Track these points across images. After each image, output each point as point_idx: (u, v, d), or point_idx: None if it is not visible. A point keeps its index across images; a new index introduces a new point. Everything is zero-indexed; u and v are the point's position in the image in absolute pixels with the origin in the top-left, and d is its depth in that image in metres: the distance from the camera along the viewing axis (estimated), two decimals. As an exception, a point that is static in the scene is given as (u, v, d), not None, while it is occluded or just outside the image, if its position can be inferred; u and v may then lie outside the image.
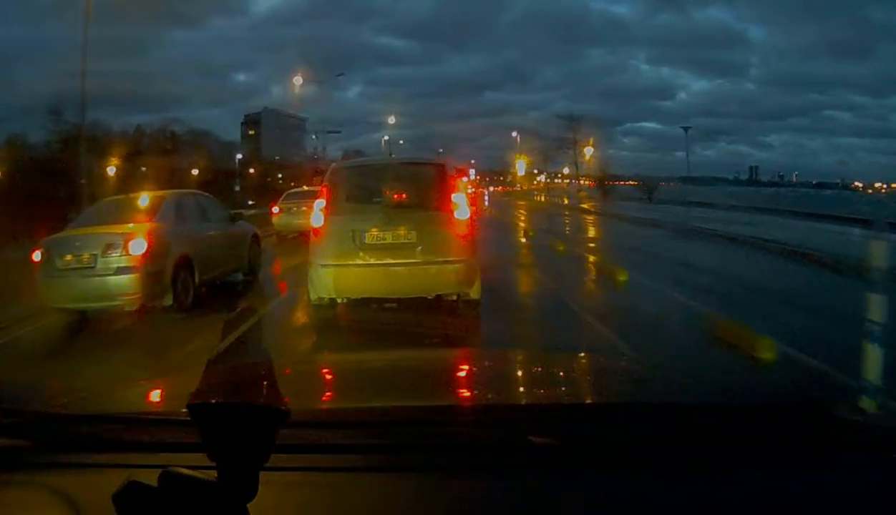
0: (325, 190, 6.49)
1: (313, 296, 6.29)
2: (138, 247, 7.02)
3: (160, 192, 9.05)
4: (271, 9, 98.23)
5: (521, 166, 59.04)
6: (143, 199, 8.46)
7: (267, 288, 9.79)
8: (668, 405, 1.36)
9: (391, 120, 55.82)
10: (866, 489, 1.00)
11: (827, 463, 1.07)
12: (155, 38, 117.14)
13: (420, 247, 6.07)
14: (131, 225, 7.45)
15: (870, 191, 63.54)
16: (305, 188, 22.13)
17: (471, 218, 6.46)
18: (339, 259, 6.09)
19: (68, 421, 1.22)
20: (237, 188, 45.25)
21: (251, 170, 53.88)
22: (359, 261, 6.06)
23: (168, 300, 7.30)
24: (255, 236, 10.21)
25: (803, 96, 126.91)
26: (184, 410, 0.83)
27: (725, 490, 1.00)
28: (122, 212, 8.00)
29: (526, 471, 1.03)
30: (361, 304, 6.32)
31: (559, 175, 71.87)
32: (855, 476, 1.03)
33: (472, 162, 71.50)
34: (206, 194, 10.01)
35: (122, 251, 6.93)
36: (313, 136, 64.26)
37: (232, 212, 10.20)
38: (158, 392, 1.61)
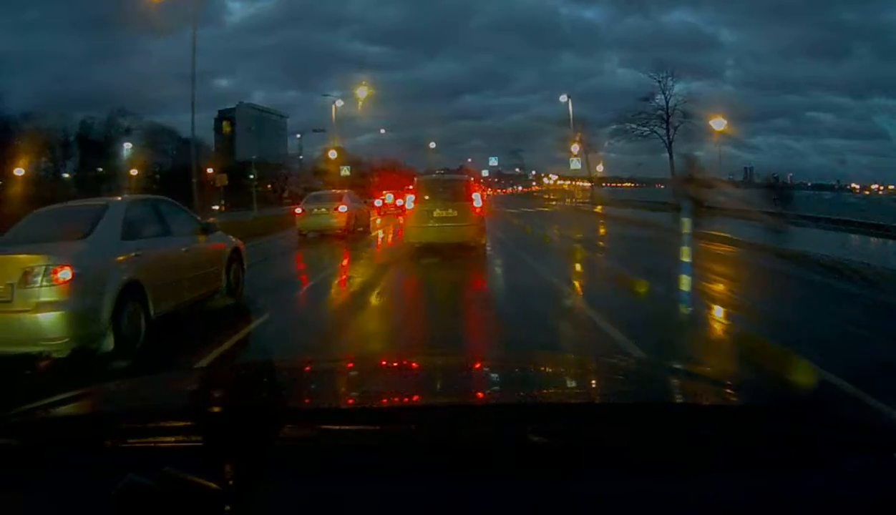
0: (413, 190, 13.42)
1: (407, 240, 13.13)
2: (64, 274, 5.21)
3: (101, 200, 7.20)
4: (245, 19, 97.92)
5: (575, 154, 38.67)
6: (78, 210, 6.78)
7: (250, 314, 7.70)
8: (669, 405, 1.36)
9: (360, 92, 47.68)
10: (866, 490, 1.00)
11: (827, 464, 1.06)
12: (131, 47, 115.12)
13: (458, 218, 12.65)
14: (55, 245, 5.61)
15: (867, 192, 60.98)
16: (326, 191, 24.30)
17: (482, 204, 13.21)
18: (420, 223, 12.80)
19: (68, 421, 1.18)
20: (125, 190, 39.82)
21: (210, 170, 50.43)
22: (429, 225, 12.70)
23: (108, 344, 5.41)
24: (237, 251, 8.47)
25: (783, 98, 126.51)
26: (184, 410, 0.80)
27: (725, 490, 0.99)
28: (48, 228, 6.25)
29: (526, 471, 1.02)
30: (429, 247, 12.52)
31: (566, 178, 55.69)
32: (855, 476, 1.04)
33: (469, 160, 74.74)
34: (169, 200, 7.81)
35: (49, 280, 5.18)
36: (297, 136, 63.14)
37: (207, 221, 8.57)
38: (159, 392, 1.61)
